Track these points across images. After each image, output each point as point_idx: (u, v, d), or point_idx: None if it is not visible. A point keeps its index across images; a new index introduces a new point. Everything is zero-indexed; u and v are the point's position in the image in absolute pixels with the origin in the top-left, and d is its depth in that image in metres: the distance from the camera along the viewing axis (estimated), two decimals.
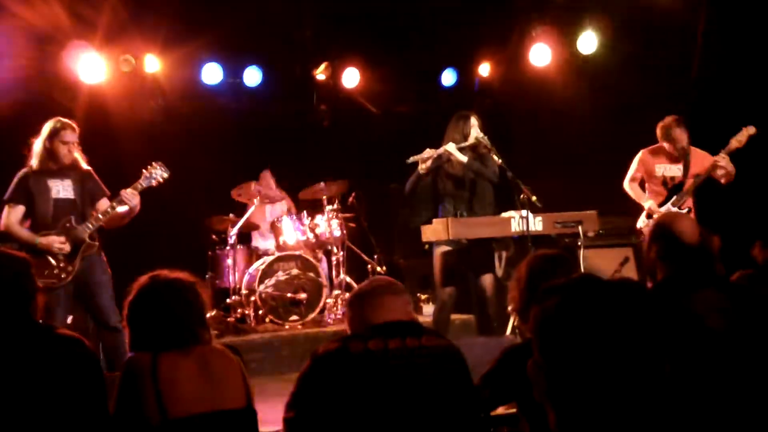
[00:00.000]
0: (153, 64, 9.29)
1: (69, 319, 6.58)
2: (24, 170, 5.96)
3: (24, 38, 8.20)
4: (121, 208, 6.00)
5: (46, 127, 5.97)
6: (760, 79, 8.26)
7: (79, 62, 8.64)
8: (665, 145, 7.35)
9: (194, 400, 2.92)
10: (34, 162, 5.94)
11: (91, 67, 8.69)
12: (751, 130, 7.15)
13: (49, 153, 5.93)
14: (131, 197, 5.93)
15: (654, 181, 7.44)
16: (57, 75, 8.66)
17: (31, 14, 8.02)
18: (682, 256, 3.49)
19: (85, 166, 6.12)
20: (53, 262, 5.78)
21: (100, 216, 5.94)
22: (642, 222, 7.48)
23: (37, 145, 5.96)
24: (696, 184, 7.23)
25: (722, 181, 7.25)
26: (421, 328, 3.02)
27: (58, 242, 5.78)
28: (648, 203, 7.37)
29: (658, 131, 7.39)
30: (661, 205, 7.28)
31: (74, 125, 6.07)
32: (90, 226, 5.91)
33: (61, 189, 5.96)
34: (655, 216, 7.14)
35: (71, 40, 8.55)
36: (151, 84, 9.55)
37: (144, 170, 6.18)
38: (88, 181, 6.11)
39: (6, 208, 5.88)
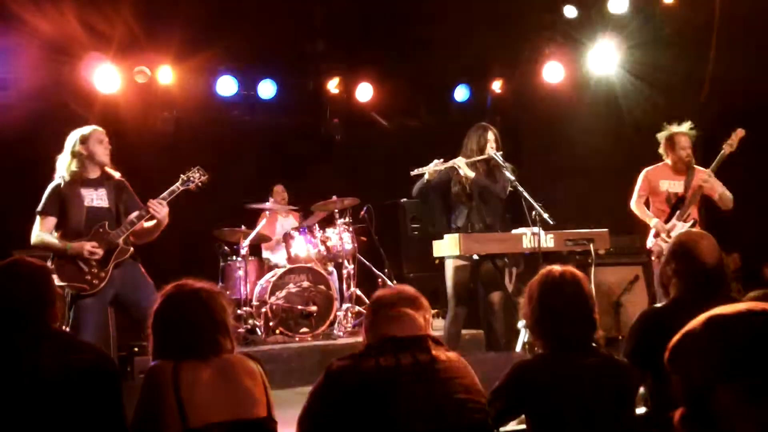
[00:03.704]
0: (167, 75, 9.37)
1: (112, 330, 6.56)
2: (57, 181, 5.83)
3: (41, 50, 8.29)
4: (149, 223, 5.90)
5: (75, 137, 5.85)
6: None
7: (94, 73, 8.74)
8: (668, 159, 7.41)
9: (215, 408, 2.91)
10: (66, 173, 5.82)
11: (106, 77, 8.80)
12: (740, 133, 7.27)
13: (86, 158, 5.81)
14: (159, 208, 5.80)
15: (658, 198, 7.47)
16: (73, 85, 8.76)
17: (48, 27, 8.11)
18: (697, 275, 3.57)
19: (117, 175, 6.01)
20: (85, 268, 5.65)
21: (134, 219, 5.80)
22: (651, 241, 7.49)
23: (68, 155, 5.84)
24: (695, 198, 7.28)
25: (720, 206, 7.29)
26: (432, 343, 3.03)
27: (89, 246, 5.64)
28: (654, 221, 7.39)
29: (663, 141, 7.44)
30: (666, 221, 7.31)
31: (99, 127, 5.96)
32: (123, 230, 5.79)
33: (95, 197, 5.84)
34: (663, 234, 7.19)
35: (87, 52, 8.64)
36: (164, 95, 9.63)
37: (182, 175, 6.09)
38: (123, 192, 5.99)
39: (38, 219, 5.75)
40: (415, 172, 6.84)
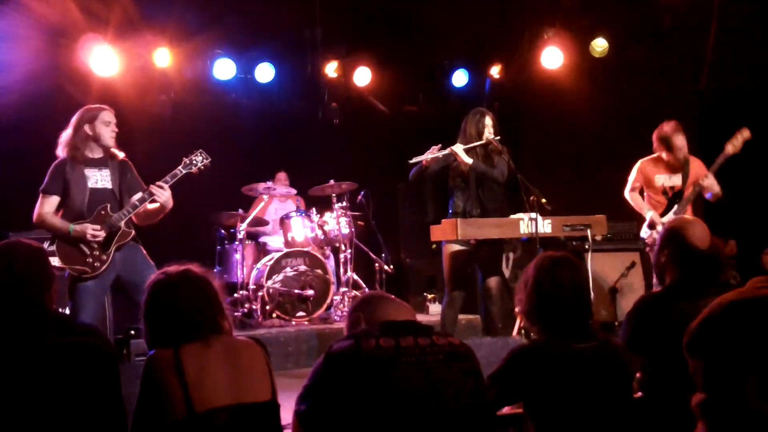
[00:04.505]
0: (164, 58, 9.33)
1: (109, 313, 6.53)
2: (60, 159, 5.74)
3: (38, 32, 8.24)
4: (152, 206, 5.84)
5: (81, 115, 5.77)
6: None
7: (91, 55, 8.69)
8: (663, 154, 7.31)
9: (221, 392, 2.89)
10: (70, 151, 5.73)
11: (103, 60, 8.74)
12: (745, 134, 7.10)
13: (91, 138, 5.74)
14: (160, 192, 5.72)
15: (654, 190, 7.41)
16: (70, 68, 8.71)
17: (45, 8, 8.07)
18: (692, 261, 3.57)
19: (121, 155, 5.93)
20: (87, 250, 5.60)
21: (137, 202, 5.73)
22: (645, 232, 7.46)
23: (74, 133, 5.75)
24: (694, 194, 7.21)
25: (709, 199, 7.24)
26: (431, 329, 3.04)
27: (91, 229, 5.58)
28: (649, 214, 7.33)
29: (655, 140, 7.32)
30: (662, 215, 7.27)
31: (109, 108, 5.88)
32: (126, 213, 5.72)
33: (99, 179, 5.77)
34: (659, 227, 7.16)
35: (84, 34, 8.60)
36: (161, 78, 9.59)
37: (184, 158, 6.00)
38: (127, 173, 5.91)
39: (41, 198, 5.68)
40: (414, 160, 6.83)
